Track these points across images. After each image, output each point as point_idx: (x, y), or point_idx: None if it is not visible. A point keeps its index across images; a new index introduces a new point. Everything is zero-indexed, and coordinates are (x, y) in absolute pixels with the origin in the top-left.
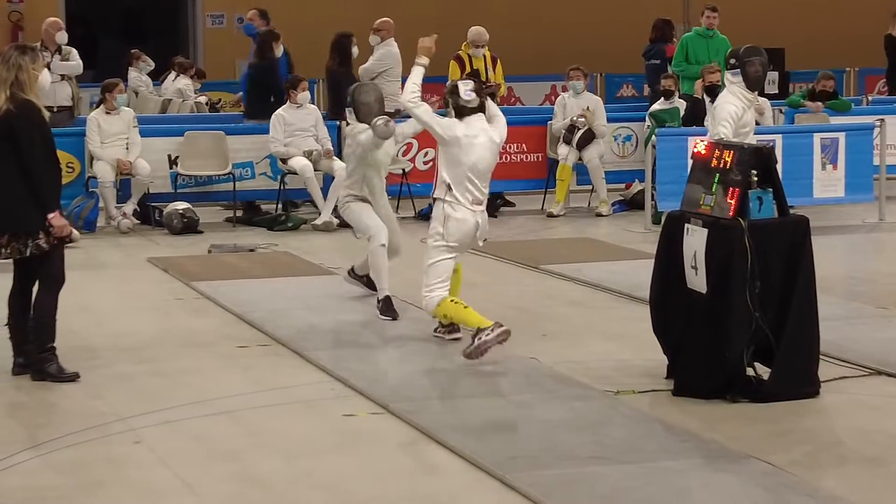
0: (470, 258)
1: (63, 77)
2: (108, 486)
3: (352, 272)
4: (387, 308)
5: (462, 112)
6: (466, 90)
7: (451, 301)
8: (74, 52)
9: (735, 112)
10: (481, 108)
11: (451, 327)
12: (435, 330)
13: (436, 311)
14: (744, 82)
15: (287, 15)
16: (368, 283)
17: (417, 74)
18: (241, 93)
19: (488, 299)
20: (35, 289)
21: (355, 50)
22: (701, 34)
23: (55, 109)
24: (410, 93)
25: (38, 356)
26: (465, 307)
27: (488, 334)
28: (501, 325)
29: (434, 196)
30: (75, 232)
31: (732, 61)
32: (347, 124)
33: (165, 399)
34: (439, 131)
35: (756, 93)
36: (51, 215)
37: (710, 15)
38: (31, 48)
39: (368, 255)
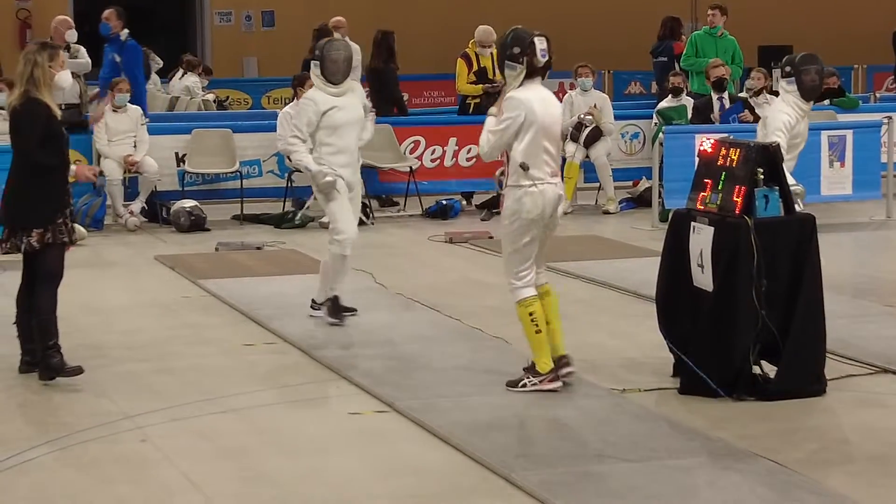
0: (478, 255)
1: (71, 74)
2: (116, 485)
3: (314, 303)
4: (335, 310)
5: (533, 73)
6: (542, 49)
7: (531, 314)
8: (83, 49)
9: (788, 121)
10: (545, 72)
11: (550, 375)
12: (523, 384)
13: (517, 307)
14: (798, 91)
15: (293, 15)
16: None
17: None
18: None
19: (494, 297)
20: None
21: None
22: (710, 33)
23: (63, 107)
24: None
25: (42, 354)
26: (538, 332)
27: (541, 382)
28: (559, 378)
29: (507, 185)
30: (82, 230)
31: (788, 69)
32: (311, 86)
33: (172, 397)
34: (519, 122)
35: (811, 102)
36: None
37: (712, 13)
38: (52, 46)
39: (329, 257)
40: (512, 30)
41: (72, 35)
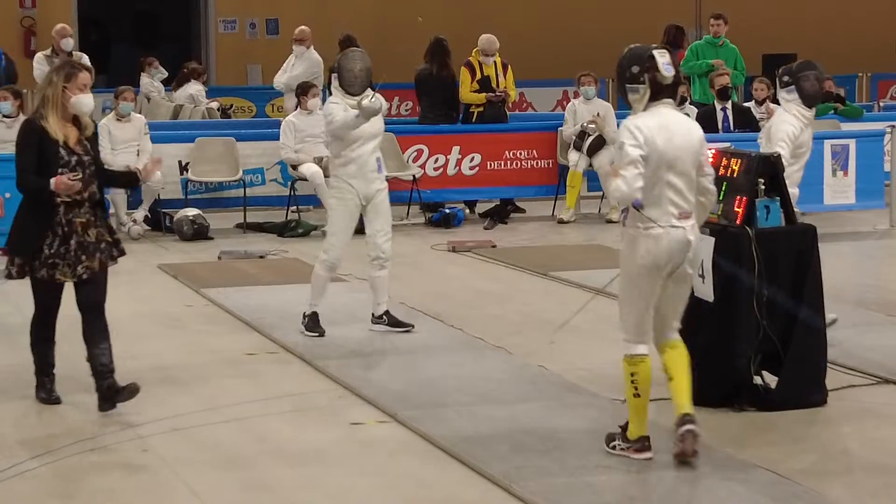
0: (481, 264)
1: None
2: (118, 494)
3: (373, 318)
4: (313, 325)
5: (659, 92)
6: (665, 62)
7: (632, 375)
8: (86, 58)
9: (792, 132)
10: (676, 90)
11: (638, 444)
12: (613, 445)
13: (623, 362)
14: (800, 99)
15: (297, 24)
16: (391, 322)
17: None
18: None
19: (498, 306)
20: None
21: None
22: (710, 42)
23: None
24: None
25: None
26: (636, 395)
27: (629, 449)
28: (649, 448)
29: (624, 224)
30: None
31: (786, 78)
32: (330, 93)
33: (174, 406)
34: (642, 152)
35: (814, 110)
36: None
37: (715, 23)
38: (71, 66)
39: (313, 272)
40: (627, 49)
41: (66, 44)
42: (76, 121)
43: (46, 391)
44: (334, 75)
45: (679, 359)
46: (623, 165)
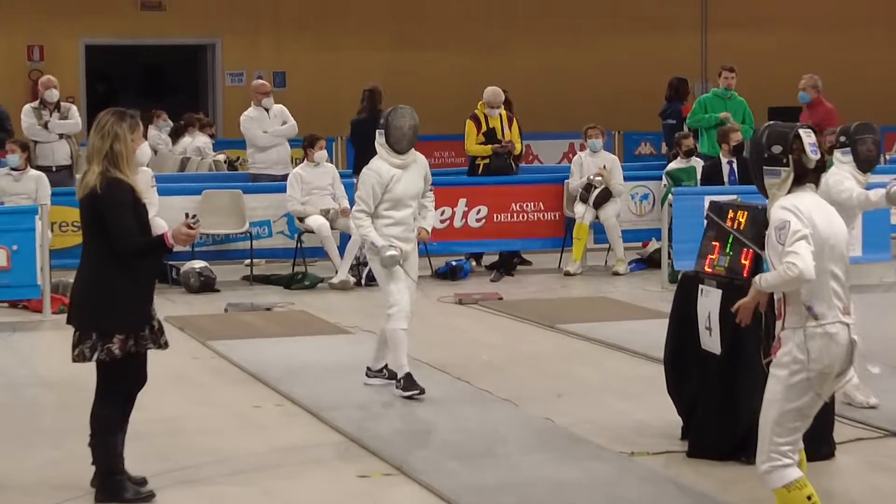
0: (488, 317)
1: (62, 136)
2: None
3: (368, 371)
4: (409, 384)
5: (802, 177)
6: (812, 143)
7: (809, 499)
8: (74, 109)
9: (855, 194)
10: (820, 174)
11: None
12: None
13: (781, 493)
14: (854, 162)
15: (304, 76)
16: (391, 375)
17: None
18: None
19: (504, 358)
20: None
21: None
22: (719, 95)
23: (54, 169)
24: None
25: (100, 482)
26: None
27: None
28: None
29: (783, 328)
30: None
31: (843, 139)
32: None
33: (180, 458)
34: (810, 268)
35: (868, 175)
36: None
37: (728, 76)
38: (130, 115)
39: (386, 333)
40: (766, 126)
41: (51, 95)
42: None
43: (134, 488)
44: (380, 132)
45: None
46: (790, 244)
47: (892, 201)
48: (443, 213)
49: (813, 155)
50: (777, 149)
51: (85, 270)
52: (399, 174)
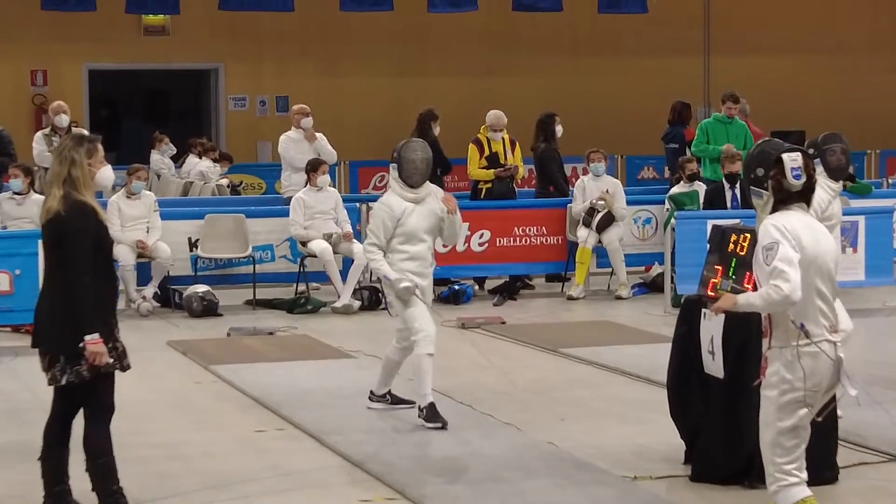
0: (490, 341)
1: None
2: None
3: (372, 394)
4: (432, 415)
5: (785, 200)
6: (795, 167)
7: None
8: (83, 133)
9: (820, 204)
10: (808, 196)
11: None
12: None
13: None
14: (826, 171)
15: (307, 101)
16: (395, 401)
17: None
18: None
19: (507, 383)
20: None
21: (559, 129)
22: (720, 120)
23: None
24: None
25: (105, 500)
26: None
27: None
28: None
29: (770, 347)
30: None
31: (811, 151)
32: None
33: (182, 483)
34: (797, 291)
35: (841, 182)
36: (88, 338)
37: (732, 106)
38: (88, 139)
39: (413, 360)
40: (759, 144)
41: (61, 120)
42: None
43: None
44: (393, 166)
45: None
46: (778, 265)
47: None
48: None
49: (795, 180)
50: (760, 171)
51: (48, 294)
52: (412, 208)
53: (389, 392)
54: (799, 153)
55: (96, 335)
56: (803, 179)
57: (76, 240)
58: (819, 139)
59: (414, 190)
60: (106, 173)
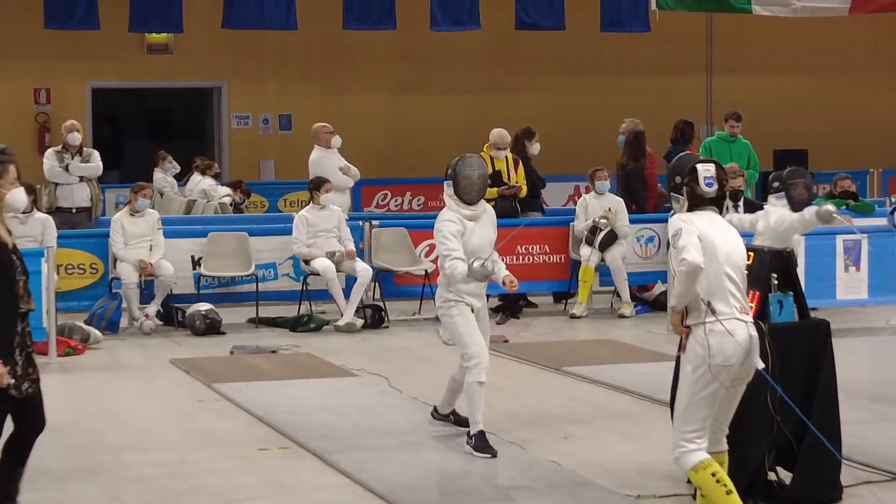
0: (493, 360)
1: (82, 178)
2: None
3: (435, 412)
4: (482, 444)
5: (697, 205)
6: (707, 177)
7: (714, 475)
8: (96, 153)
9: (780, 221)
10: (720, 202)
11: None
12: None
13: (692, 475)
14: (789, 205)
15: (310, 119)
16: (458, 421)
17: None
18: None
19: (510, 401)
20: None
21: (536, 146)
22: (724, 138)
23: (73, 210)
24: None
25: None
26: (728, 492)
27: None
28: None
29: (687, 324)
30: (97, 333)
31: (776, 185)
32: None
33: (185, 501)
34: (697, 258)
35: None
36: None
37: (734, 125)
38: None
39: (465, 387)
40: (678, 157)
41: (73, 138)
42: None
43: None
44: (448, 182)
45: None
46: (680, 247)
47: (822, 219)
48: None
49: (707, 187)
50: (677, 179)
51: None
52: (472, 227)
53: (454, 412)
54: (713, 164)
55: None
56: (714, 188)
57: None
58: (784, 173)
59: (471, 207)
60: (17, 195)
